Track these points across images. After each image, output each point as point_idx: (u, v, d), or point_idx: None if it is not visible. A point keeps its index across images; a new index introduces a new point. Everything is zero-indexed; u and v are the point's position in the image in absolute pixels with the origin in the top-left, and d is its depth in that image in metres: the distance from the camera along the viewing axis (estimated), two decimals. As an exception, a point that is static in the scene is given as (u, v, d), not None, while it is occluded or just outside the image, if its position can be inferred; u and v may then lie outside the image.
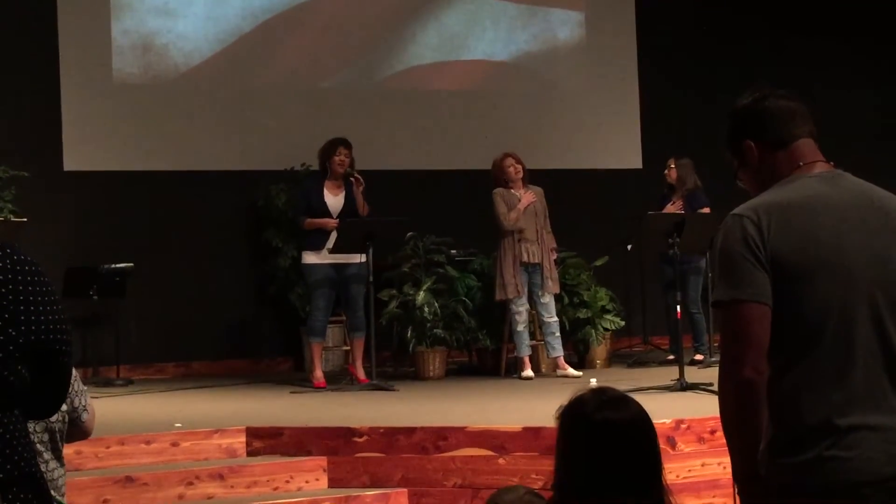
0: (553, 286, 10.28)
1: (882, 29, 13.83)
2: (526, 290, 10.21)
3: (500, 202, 10.22)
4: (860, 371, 2.98)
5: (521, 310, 10.19)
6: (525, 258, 10.17)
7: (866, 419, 2.95)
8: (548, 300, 10.22)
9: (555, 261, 10.44)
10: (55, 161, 11.09)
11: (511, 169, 10.29)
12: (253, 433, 7.56)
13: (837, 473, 2.92)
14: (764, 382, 2.97)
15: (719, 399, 3.06)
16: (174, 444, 7.40)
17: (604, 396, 2.89)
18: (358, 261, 9.63)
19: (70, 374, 2.95)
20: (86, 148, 11.27)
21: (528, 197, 10.26)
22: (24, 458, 2.82)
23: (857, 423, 2.95)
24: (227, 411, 8.65)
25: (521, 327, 10.18)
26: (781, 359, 2.99)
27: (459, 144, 12.47)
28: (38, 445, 4.17)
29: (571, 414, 2.88)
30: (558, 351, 10.23)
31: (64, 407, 4.26)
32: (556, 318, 10.26)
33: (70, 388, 4.29)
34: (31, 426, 4.09)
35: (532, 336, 10.45)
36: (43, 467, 4.18)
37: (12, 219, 9.99)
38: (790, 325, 2.99)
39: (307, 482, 7.24)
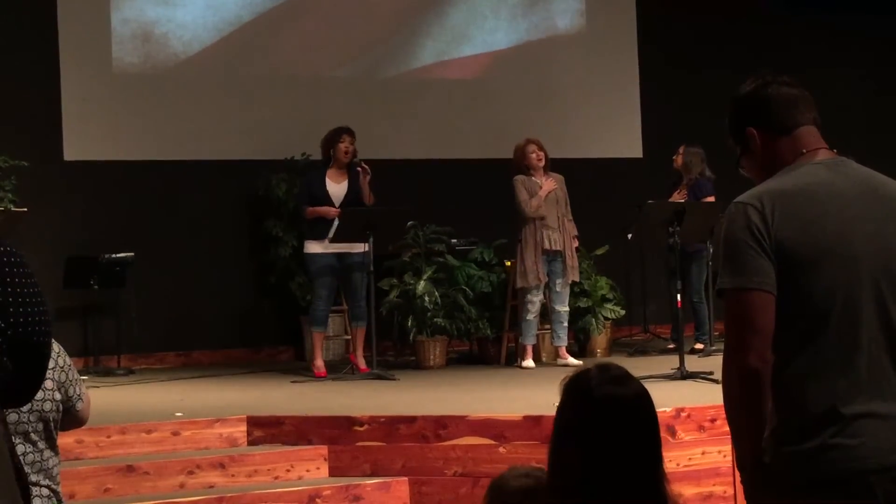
0: (573, 274, 10.23)
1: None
2: (545, 278, 10.16)
3: (522, 189, 10.14)
4: (864, 359, 2.98)
5: (535, 300, 10.15)
6: (547, 245, 10.11)
7: (871, 407, 2.95)
8: (564, 290, 10.18)
9: (576, 248, 10.39)
10: (55, 151, 11.08)
11: (534, 156, 10.21)
12: (254, 422, 7.56)
13: (842, 461, 2.92)
14: (768, 370, 2.96)
15: (723, 387, 3.05)
16: (175, 434, 7.41)
17: (608, 373, 2.85)
18: (360, 250, 9.62)
19: (46, 367, 2.95)
20: (86, 137, 11.25)
21: (549, 184, 10.17)
22: None
23: (862, 410, 2.94)
24: (227, 400, 8.65)
25: (532, 316, 10.14)
26: (786, 347, 2.98)
27: (460, 134, 12.45)
28: (32, 434, 4.22)
29: (574, 389, 2.84)
30: (563, 340, 10.21)
31: (58, 396, 4.30)
32: (567, 308, 10.22)
33: (66, 378, 4.32)
34: (24, 416, 4.14)
35: (536, 324, 10.42)
36: (37, 456, 4.23)
37: (13, 209, 9.99)
38: (794, 313, 2.98)
39: (308, 471, 7.25)
